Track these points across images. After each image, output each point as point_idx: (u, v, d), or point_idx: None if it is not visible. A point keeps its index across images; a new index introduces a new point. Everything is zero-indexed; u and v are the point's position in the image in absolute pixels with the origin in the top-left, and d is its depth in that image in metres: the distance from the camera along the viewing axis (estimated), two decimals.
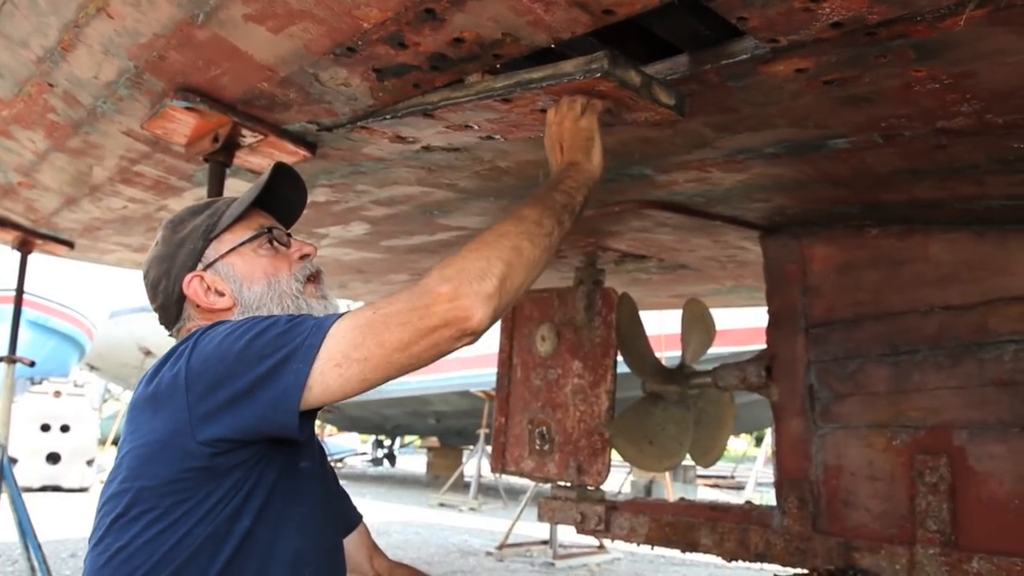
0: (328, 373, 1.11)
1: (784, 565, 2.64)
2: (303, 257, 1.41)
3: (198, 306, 1.35)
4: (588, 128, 1.50)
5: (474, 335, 1.15)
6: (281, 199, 1.47)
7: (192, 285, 1.35)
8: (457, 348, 1.17)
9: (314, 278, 1.41)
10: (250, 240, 1.37)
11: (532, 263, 1.25)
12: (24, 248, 3.90)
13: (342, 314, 1.16)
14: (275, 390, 1.10)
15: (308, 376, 1.10)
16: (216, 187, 2.10)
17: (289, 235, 1.44)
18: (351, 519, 1.57)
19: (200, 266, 1.36)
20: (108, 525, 1.17)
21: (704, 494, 11.81)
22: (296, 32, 1.51)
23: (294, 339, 1.12)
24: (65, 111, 2.19)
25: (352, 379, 1.12)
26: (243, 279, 1.35)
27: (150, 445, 1.16)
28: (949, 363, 2.37)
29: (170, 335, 1.42)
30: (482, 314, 1.14)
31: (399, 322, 1.12)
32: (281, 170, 1.43)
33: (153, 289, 1.40)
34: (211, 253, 1.36)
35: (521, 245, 1.23)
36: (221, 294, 1.35)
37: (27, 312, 6.29)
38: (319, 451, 1.37)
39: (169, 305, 1.38)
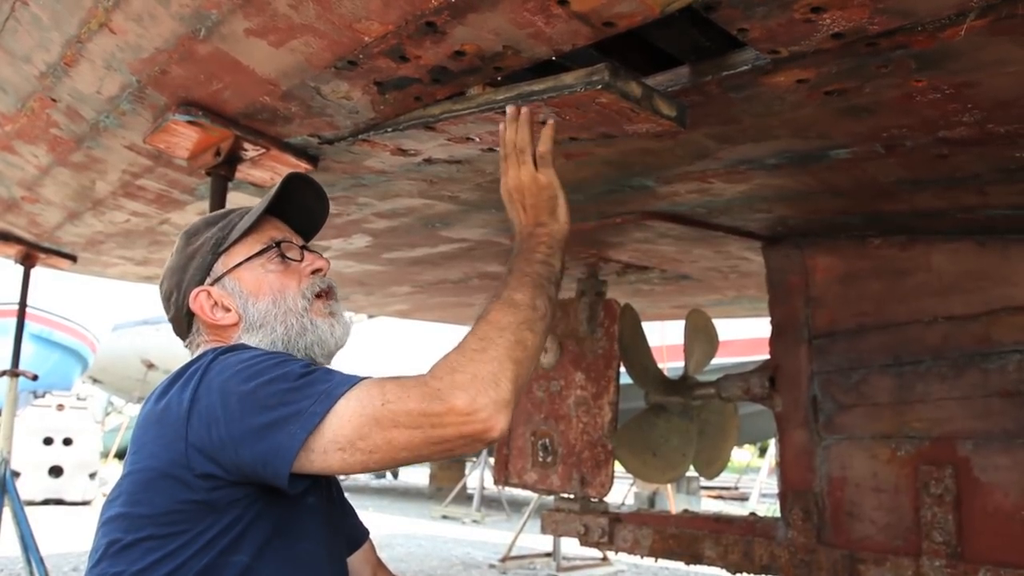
0: (331, 454, 1.09)
1: None
2: (315, 272, 1.38)
3: (205, 321, 1.35)
4: (549, 185, 1.46)
5: (492, 443, 1.14)
6: (300, 208, 1.44)
7: (199, 300, 1.33)
8: (469, 452, 1.16)
9: (324, 294, 1.37)
10: (258, 255, 1.35)
11: (535, 352, 1.23)
12: (27, 262, 3.91)
13: (354, 383, 1.13)
14: (267, 447, 1.08)
15: (304, 444, 1.08)
16: (218, 200, 2.10)
17: (305, 247, 1.41)
18: (357, 537, 1.54)
19: (208, 280, 1.34)
20: (105, 548, 1.16)
21: (708, 505, 11.76)
22: (297, 46, 1.52)
23: (300, 400, 1.10)
24: (68, 126, 2.20)
25: (354, 464, 1.11)
26: (249, 295, 1.33)
27: (149, 471, 1.15)
28: (953, 373, 2.36)
29: (185, 346, 1.41)
30: (502, 424, 1.11)
31: (410, 424, 1.09)
32: (296, 179, 1.40)
33: (166, 301, 1.40)
34: (219, 267, 1.35)
35: (524, 338, 1.21)
36: (227, 310, 1.33)
37: (30, 325, 6.29)
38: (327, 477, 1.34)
39: (180, 318, 1.38)
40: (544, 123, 1.64)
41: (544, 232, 1.43)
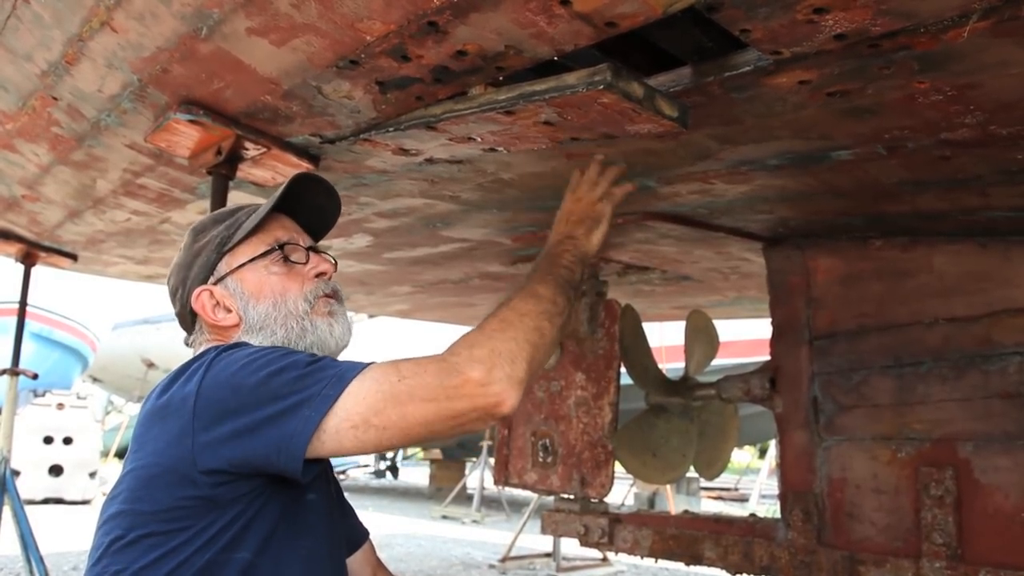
0: (344, 433, 1.10)
1: None
2: (320, 275, 1.37)
3: (206, 321, 1.35)
4: (601, 212, 1.58)
5: (502, 419, 1.16)
6: (310, 207, 1.44)
7: (200, 299, 1.33)
8: (479, 429, 1.18)
9: (328, 297, 1.37)
10: (261, 256, 1.35)
11: (551, 342, 1.27)
12: (27, 260, 3.91)
13: (364, 366, 1.13)
14: (282, 433, 1.09)
15: (318, 426, 1.09)
16: (219, 200, 2.10)
17: (312, 248, 1.40)
18: (357, 537, 1.54)
19: (212, 280, 1.34)
20: (107, 546, 1.16)
21: (708, 506, 11.76)
22: (299, 45, 1.51)
23: (311, 385, 1.10)
24: (69, 124, 2.20)
25: (368, 443, 1.11)
26: (250, 296, 1.32)
27: (152, 468, 1.15)
28: (954, 375, 2.36)
29: (188, 344, 1.41)
30: (513, 400, 1.13)
31: (425, 397, 1.10)
32: (303, 178, 1.40)
33: (172, 297, 1.40)
34: (223, 267, 1.34)
35: (543, 326, 1.25)
36: (228, 310, 1.33)
37: (30, 324, 6.30)
38: (327, 473, 1.35)
39: (184, 315, 1.38)
40: (548, 123, 1.65)
41: (573, 243, 1.52)
